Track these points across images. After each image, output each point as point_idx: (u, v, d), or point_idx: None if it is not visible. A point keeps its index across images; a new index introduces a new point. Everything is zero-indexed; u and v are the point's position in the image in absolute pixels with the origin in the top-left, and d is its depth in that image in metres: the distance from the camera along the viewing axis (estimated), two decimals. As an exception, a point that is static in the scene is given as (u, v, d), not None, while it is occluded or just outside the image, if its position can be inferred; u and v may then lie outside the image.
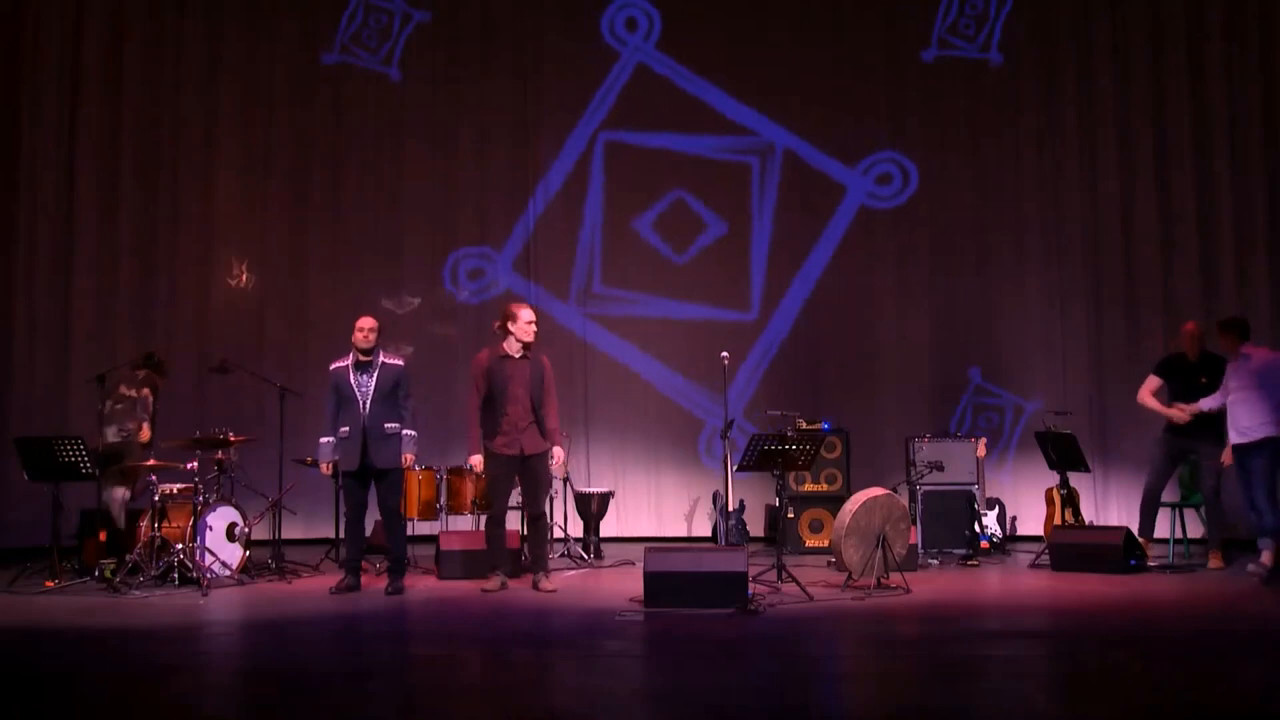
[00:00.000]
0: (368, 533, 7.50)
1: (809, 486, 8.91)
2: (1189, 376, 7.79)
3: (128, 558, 7.09)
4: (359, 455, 6.91)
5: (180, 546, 7.15)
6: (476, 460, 6.98)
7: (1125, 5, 10.07)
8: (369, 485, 7.06)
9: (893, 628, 5.77)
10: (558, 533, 8.78)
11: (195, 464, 7.54)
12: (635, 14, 10.55)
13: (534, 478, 7.00)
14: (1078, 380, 9.92)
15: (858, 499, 6.86)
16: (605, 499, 8.92)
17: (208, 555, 7.28)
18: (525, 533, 7.22)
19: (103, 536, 7.63)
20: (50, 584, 7.08)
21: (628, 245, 10.41)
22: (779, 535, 7.70)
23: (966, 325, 10.17)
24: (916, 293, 10.24)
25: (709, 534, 9.75)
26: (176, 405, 8.94)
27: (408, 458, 7.03)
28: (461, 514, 8.36)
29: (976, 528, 8.45)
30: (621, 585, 7.07)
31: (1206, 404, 7.53)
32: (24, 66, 9.84)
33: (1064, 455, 8.16)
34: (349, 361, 7.06)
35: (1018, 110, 10.25)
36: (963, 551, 8.37)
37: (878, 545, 6.70)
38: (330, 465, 7.18)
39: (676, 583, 6.12)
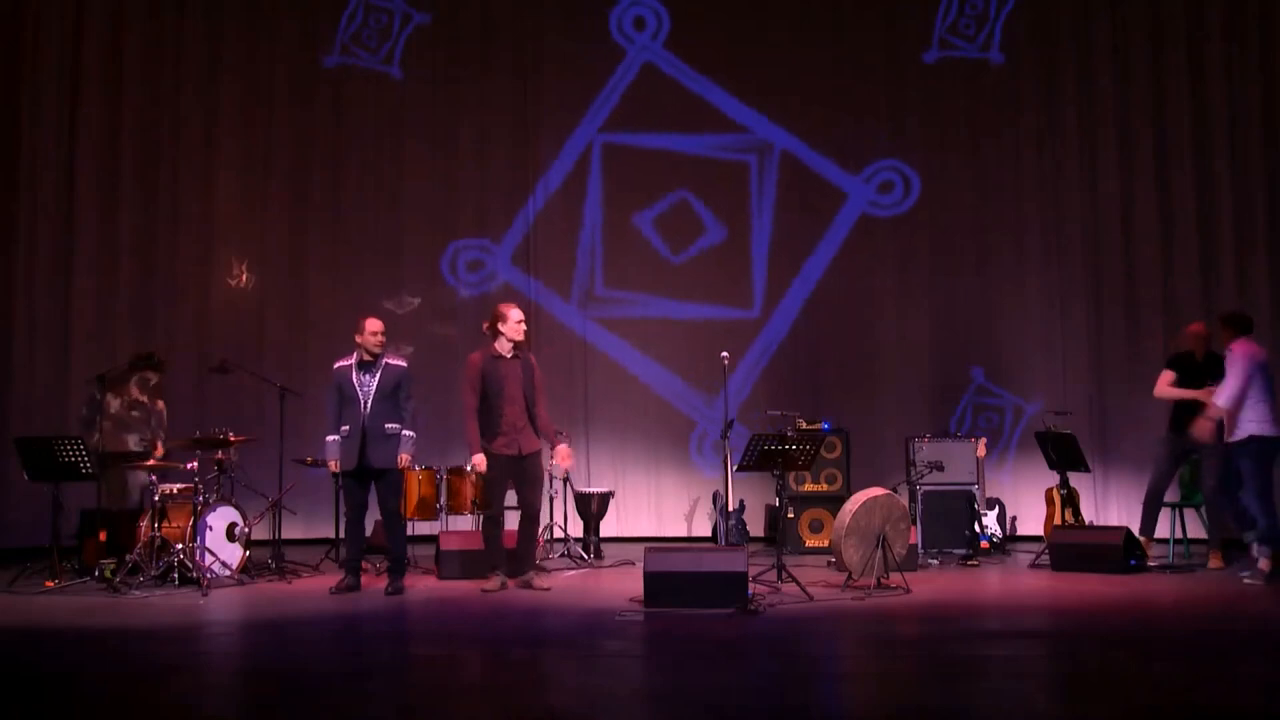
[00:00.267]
0: (368, 533, 7.50)
1: (809, 486, 8.91)
2: (1195, 376, 7.79)
3: (128, 558, 7.09)
4: (358, 455, 6.92)
5: (180, 546, 7.15)
6: (480, 460, 6.97)
7: (1125, 5, 10.07)
8: (369, 485, 7.06)
9: (893, 628, 5.77)
10: (558, 533, 8.79)
11: (195, 464, 7.55)
12: (644, 13, 10.55)
13: (531, 477, 7.02)
14: (1078, 380, 9.91)
15: (858, 499, 6.86)
16: (605, 499, 8.92)
17: (208, 555, 7.28)
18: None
19: (103, 536, 7.62)
20: (50, 584, 7.08)
21: (629, 245, 10.41)
22: (779, 535, 7.70)
23: (966, 325, 10.17)
24: (916, 293, 10.24)
25: (709, 534, 9.75)
26: (177, 405, 8.92)
27: (404, 458, 7.03)
28: (461, 514, 8.36)
29: (976, 528, 8.45)
30: (621, 585, 7.07)
31: (1220, 402, 7.22)
32: (24, 66, 9.84)
33: (1064, 455, 8.17)
34: (352, 361, 7.07)
35: (1018, 110, 10.24)
36: (963, 551, 8.37)
37: (878, 545, 6.70)
38: (338, 463, 7.18)
39: (676, 583, 6.12)
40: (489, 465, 6.98)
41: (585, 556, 8.49)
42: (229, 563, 7.43)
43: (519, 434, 6.95)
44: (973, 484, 8.54)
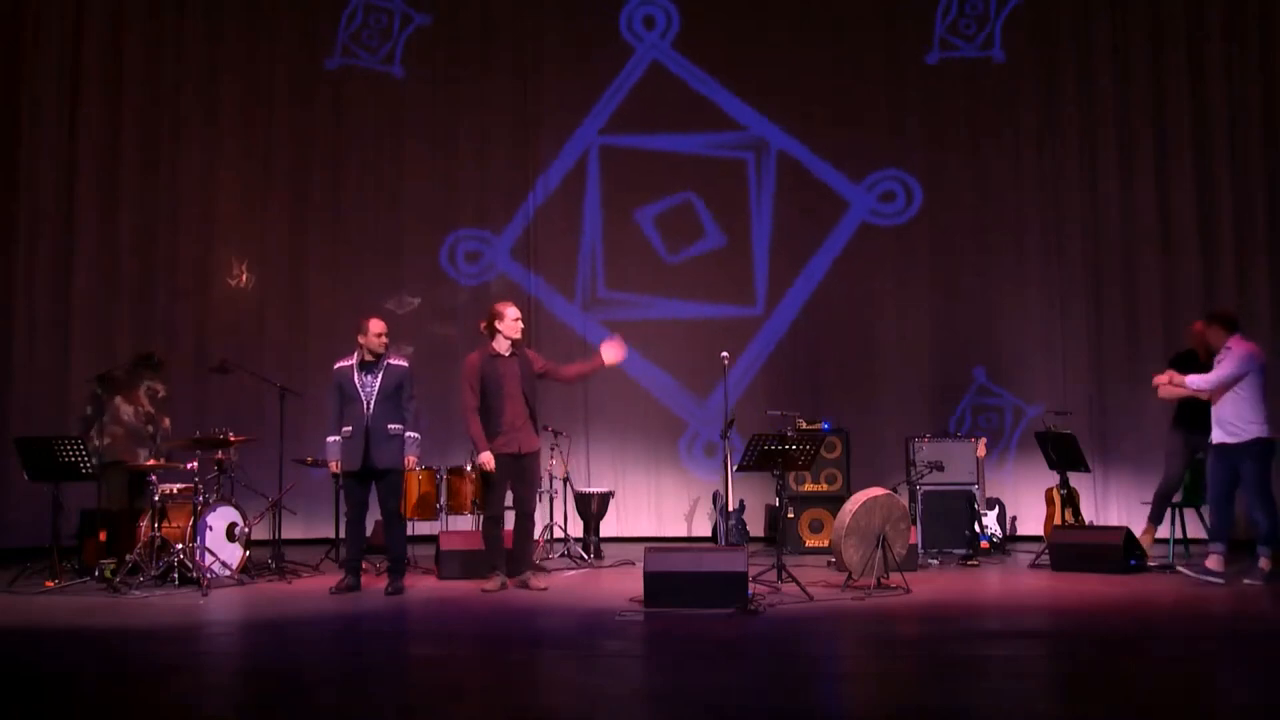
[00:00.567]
0: (368, 533, 7.50)
1: (809, 486, 8.91)
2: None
3: (128, 558, 7.09)
4: (361, 455, 6.92)
5: (180, 546, 7.15)
6: (487, 458, 6.90)
7: (1125, 5, 10.07)
8: (370, 485, 7.06)
9: (893, 628, 5.77)
10: (558, 533, 8.79)
11: (195, 464, 7.55)
12: (654, 11, 10.55)
13: (528, 476, 7.03)
14: (1078, 380, 9.91)
15: (858, 499, 6.86)
16: (605, 499, 8.92)
17: (208, 555, 7.28)
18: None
19: (103, 536, 7.63)
20: (50, 584, 7.08)
21: (629, 244, 10.41)
22: (779, 535, 7.70)
23: (967, 325, 10.17)
24: (916, 293, 10.24)
25: (709, 534, 9.75)
26: (177, 405, 8.93)
27: (410, 460, 7.04)
28: (461, 514, 8.36)
29: (976, 528, 8.45)
30: (621, 585, 7.07)
31: (1194, 381, 7.25)
32: (24, 66, 9.85)
33: (1064, 455, 8.16)
34: (354, 361, 7.07)
35: (1018, 110, 10.24)
36: (963, 551, 8.36)
37: (878, 545, 6.70)
38: (339, 463, 7.17)
39: (676, 583, 6.12)
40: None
41: (585, 556, 8.49)
42: (229, 563, 7.43)
43: (518, 432, 6.95)
44: (973, 484, 8.54)
